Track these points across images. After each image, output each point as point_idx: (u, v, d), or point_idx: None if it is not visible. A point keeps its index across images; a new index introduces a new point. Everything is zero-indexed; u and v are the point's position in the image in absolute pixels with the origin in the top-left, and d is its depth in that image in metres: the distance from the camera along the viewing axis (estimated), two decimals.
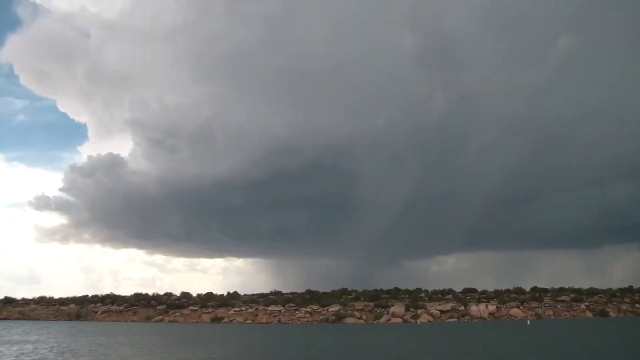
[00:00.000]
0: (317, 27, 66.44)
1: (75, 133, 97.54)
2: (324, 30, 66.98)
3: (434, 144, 64.45)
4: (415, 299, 44.05)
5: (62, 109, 79.56)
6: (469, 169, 65.20)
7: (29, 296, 55.20)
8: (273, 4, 66.82)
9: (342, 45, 66.17)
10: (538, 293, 45.13)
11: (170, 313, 45.82)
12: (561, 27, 64.26)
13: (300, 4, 66.43)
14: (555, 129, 63.87)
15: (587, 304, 42.48)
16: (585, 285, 46.97)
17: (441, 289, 48.02)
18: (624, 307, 42.30)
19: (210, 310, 45.31)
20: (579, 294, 44.04)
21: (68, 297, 53.30)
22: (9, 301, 53.25)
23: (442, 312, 41.01)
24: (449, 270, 69.61)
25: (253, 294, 50.60)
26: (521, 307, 41.78)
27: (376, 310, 41.92)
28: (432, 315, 40.35)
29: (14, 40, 72.65)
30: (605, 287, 46.55)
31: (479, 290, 46.71)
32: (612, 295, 44.16)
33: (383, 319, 39.87)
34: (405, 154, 64.79)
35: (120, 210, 66.92)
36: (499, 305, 42.15)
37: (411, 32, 65.96)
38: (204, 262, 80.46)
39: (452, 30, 64.32)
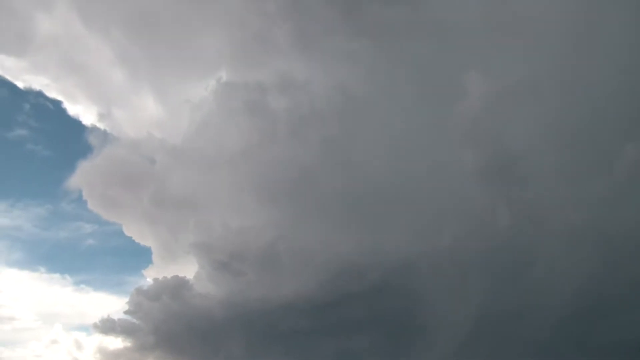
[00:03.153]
0: (376, 146, 68.03)
1: (140, 257, 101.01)
2: (383, 149, 68.36)
3: (500, 260, 63.32)
4: None
5: (127, 233, 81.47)
6: (538, 284, 63.50)
7: None
8: (332, 125, 68.74)
9: (402, 164, 67.14)
10: None
11: None
12: (627, 135, 63.79)
13: (358, 124, 68.18)
14: (626, 240, 62.27)
15: None
16: None
17: None
18: None
19: None
20: None
21: None
22: None
23: None
24: None
25: None
26: None
27: None
28: None
29: (83, 167, 76.02)
30: None
31: None
32: None
33: None
34: (471, 272, 63.84)
35: (185, 333, 67.03)
36: None
37: (471, 149, 66.83)
38: None
39: (513, 146, 64.75)
